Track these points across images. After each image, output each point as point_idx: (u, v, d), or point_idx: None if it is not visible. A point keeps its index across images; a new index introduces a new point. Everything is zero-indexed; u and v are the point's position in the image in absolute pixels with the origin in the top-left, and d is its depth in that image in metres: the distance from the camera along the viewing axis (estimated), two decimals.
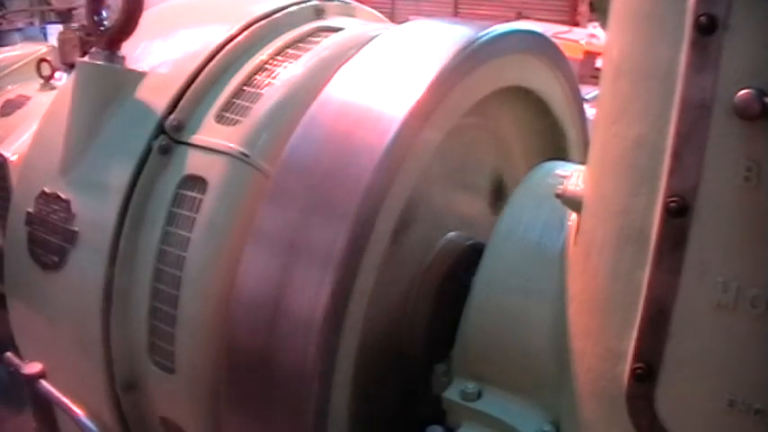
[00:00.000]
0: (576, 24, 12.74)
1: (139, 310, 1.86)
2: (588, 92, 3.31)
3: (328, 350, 1.54)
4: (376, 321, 1.73)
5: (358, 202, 1.52)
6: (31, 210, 2.08)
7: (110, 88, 2.02)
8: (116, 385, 1.93)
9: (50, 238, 2.01)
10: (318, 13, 2.20)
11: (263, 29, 2.05)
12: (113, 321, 1.89)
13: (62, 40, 4.87)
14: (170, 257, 1.81)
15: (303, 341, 1.53)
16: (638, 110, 1.25)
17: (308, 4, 2.20)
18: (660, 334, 1.23)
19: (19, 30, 11.30)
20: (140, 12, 1.97)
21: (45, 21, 12.96)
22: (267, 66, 1.97)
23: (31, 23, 12.81)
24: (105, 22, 2.03)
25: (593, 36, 8.81)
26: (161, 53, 2.08)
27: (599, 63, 7.37)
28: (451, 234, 2.03)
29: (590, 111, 2.39)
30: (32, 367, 1.95)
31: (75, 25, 5.90)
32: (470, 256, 1.88)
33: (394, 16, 13.14)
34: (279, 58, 1.99)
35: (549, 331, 1.57)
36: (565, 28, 10.42)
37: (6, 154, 2.74)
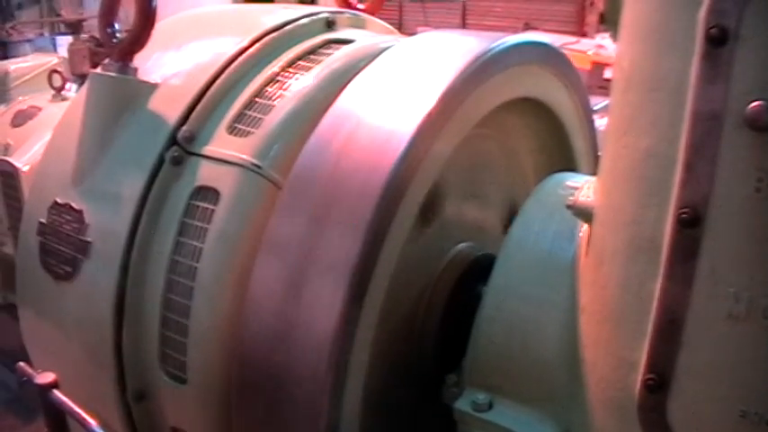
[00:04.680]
0: (584, 35, 12.73)
1: (151, 320, 1.86)
2: (596, 102, 3.32)
3: (339, 363, 1.54)
4: (387, 333, 1.74)
5: (370, 214, 1.52)
6: (43, 220, 2.09)
7: (122, 99, 2.03)
8: (128, 395, 1.94)
9: (63, 248, 2.02)
10: (329, 25, 2.21)
11: (275, 41, 2.07)
12: (125, 331, 1.90)
13: (72, 51, 4.91)
14: (182, 268, 1.82)
15: (314, 354, 1.53)
16: (649, 121, 1.26)
17: (319, 16, 2.21)
18: (672, 344, 1.23)
19: (29, 41, 11.42)
20: (153, 25, 1.98)
21: (55, 32, 13.10)
22: (279, 77, 1.99)
23: (42, 34, 12.95)
24: (118, 35, 2.05)
25: (600, 47, 8.80)
26: (173, 65, 2.10)
27: (607, 74, 7.37)
28: (462, 245, 2.04)
29: (599, 121, 2.40)
30: (45, 377, 1.96)
31: (84, 36, 5.95)
32: (481, 267, 1.88)
33: (402, 27, 13.18)
34: (290, 69, 2.00)
35: (561, 341, 1.57)
36: (573, 39, 10.41)
37: (18, 164, 2.76)
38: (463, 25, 14.18)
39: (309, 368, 1.54)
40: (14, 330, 2.87)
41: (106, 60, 2.09)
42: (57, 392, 1.93)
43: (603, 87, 6.66)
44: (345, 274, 1.51)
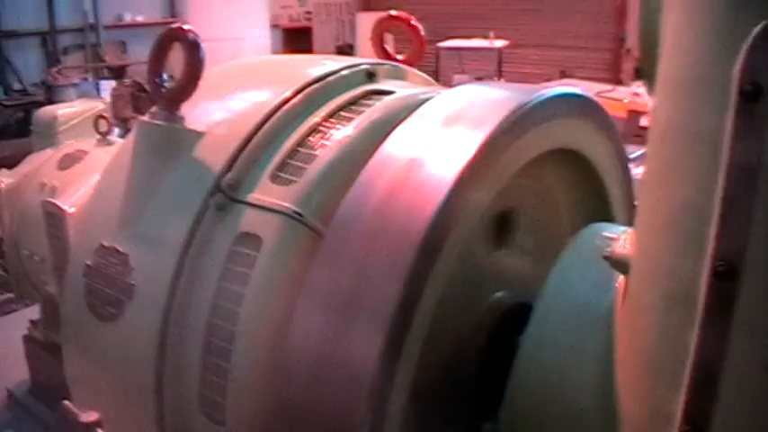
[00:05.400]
0: (620, 82, 12.72)
1: (192, 362, 1.89)
2: (633, 151, 3.33)
3: (377, 408, 1.55)
4: (424, 381, 1.75)
5: (410, 263, 1.55)
6: (89, 262, 2.14)
7: (169, 147, 2.08)
8: None
9: (108, 290, 2.07)
10: (370, 76, 2.26)
11: (317, 91, 2.11)
12: (166, 373, 1.93)
13: (115, 95, 5.02)
14: (224, 312, 1.85)
15: (353, 400, 1.55)
16: (685, 173, 1.27)
17: (360, 67, 2.26)
18: (708, 396, 1.23)
19: (74, 85, 11.68)
20: (200, 76, 2.04)
21: (99, 76, 13.40)
22: (321, 127, 2.03)
23: (85, 79, 13.24)
24: (166, 84, 2.12)
25: (636, 94, 8.78)
26: (218, 114, 2.16)
27: (643, 122, 7.34)
28: (499, 293, 2.06)
29: (635, 170, 2.42)
30: (89, 416, 2.00)
31: (127, 81, 6.09)
32: (518, 316, 1.89)
33: (439, 74, 13.26)
34: (332, 120, 2.04)
35: (597, 392, 1.57)
36: (608, 86, 10.42)
37: (64, 206, 2.83)
38: (499, 72, 14.22)
39: (348, 413, 1.56)
40: (54, 369, 2.92)
41: (154, 108, 2.15)
42: (100, 431, 1.97)
43: (639, 135, 6.64)
44: (384, 321, 1.53)
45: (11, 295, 6.01)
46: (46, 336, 3.35)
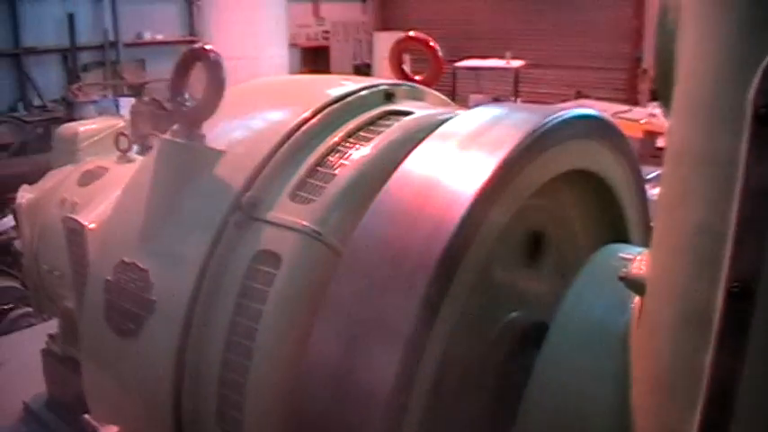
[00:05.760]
0: (636, 103, 12.73)
1: (210, 378, 1.91)
2: (649, 172, 3.33)
3: (394, 426, 1.57)
4: (440, 397, 1.76)
5: (427, 282, 1.56)
6: (109, 278, 2.16)
7: (190, 165, 2.11)
8: None
9: (127, 305, 2.09)
10: (388, 96, 2.29)
11: (336, 111, 2.14)
12: (185, 388, 1.95)
13: (134, 113, 5.08)
14: (242, 329, 1.87)
15: (370, 416, 1.56)
16: (700, 195, 1.28)
17: (379, 88, 2.29)
18: (723, 416, 1.23)
19: (94, 102, 11.80)
20: (221, 95, 2.07)
21: (118, 94, 13.54)
22: (339, 147, 2.05)
23: (105, 96, 13.38)
24: (188, 103, 2.14)
25: (653, 115, 8.79)
26: (239, 133, 2.19)
27: (659, 142, 7.34)
28: (514, 313, 2.06)
29: (651, 191, 2.42)
30: (109, 430, 2.02)
31: (146, 99, 6.16)
32: (534, 335, 1.90)
33: (456, 93, 13.31)
34: (351, 140, 2.07)
35: (612, 412, 1.57)
36: (624, 107, 10.43)
37: (85, 222, 2.85)
38: (515, 92, 14.25)
39: (364, 429, 1.57)
40: (71, 383, 2.94)
41: (175, 126, 2.18)
42: None
43: (656, 156, 6.64)
44: (401, 340, 1.55)
45: (29, 309, 6.06)
46: (64, 350, 3.37)
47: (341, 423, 1.61)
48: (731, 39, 1.22)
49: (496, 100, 12.83)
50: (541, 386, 1.71)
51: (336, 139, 2.07)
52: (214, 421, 1.92)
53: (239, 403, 1.86)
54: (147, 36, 15.99)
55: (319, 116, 2.11)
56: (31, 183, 3.65)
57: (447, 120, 1.96)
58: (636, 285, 1.54)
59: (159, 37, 16.01)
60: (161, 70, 12.98)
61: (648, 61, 14.37)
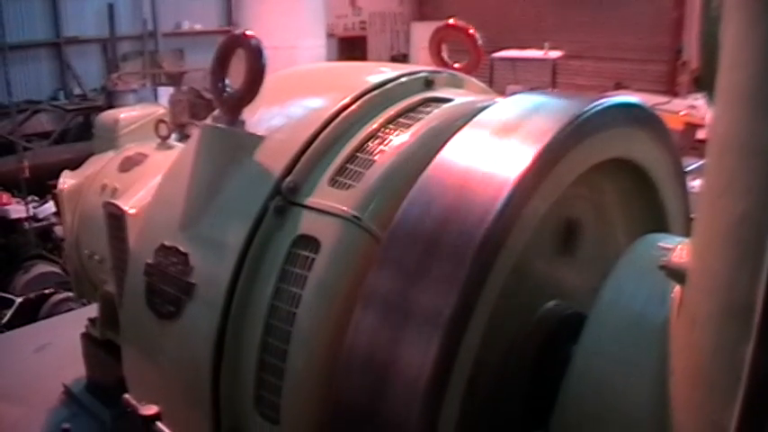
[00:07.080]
0: (676, 95, 12.58)
1: (248, 361, 1.93)
2: (689, 163, 3.29)
3: (430, 414, 1.58)
4: (477, 386, 1.76)
5: (466, 270, 1.57)
6: (150, 261, 2.20)
7: (230, 150, 2.13)
8: None
9: (168, 288, 2.12)
10: (428, 84, 2.29)
11: (376, 98, 2.15)
12: (223, 371, 1.97)
13: (173, 101, 5.15)
14: (281, 313, 1.88)
15: (407, 403, 1.57)
16: (745, 186, 1.26)
17: (418, 75, 2.29)
18: (763, 409, 1.22)
19: (133, 90, 11.96)
20: (261, 81, 2.08)
21: (156, 83, 13.68)
22: (379, 134, 2.06)
23: (144, 85, 13.53)
24: (228, 89, 2.16)
25: (692, 107, 8.69)
26: (279, 119, 2.20)
27: (699, 134, 7.25)
28: (552, 302, 2.06)
29: (691, 183, 2.40)
30: (149, 409, 2.05)
31: (184, 88, 6.23)
32: (571, 326, 1.89)
33: (493, 84, 13.26)
34: (390, 126, 2.08)
35: (650, 403, 1.57)
36: (664, 99, 10.32)
37: (125, 207, 2.89)
38: (553, 83, 14.15)
39: (402, 416, 1.58)
40: (110, 367, 2.98)
41: (216, 112, 2.21)
42: (159, 424, 2.01)
43: (696, 148, 6.57)
44: (440, 328, 1.56)
45: (70, 294, 6.16)
46: (103, 334, 3.42)
47: (380, 408, 1.62)
48: None
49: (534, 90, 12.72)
50: (579, 377, 1.70)
51: (376, 125, 2.08)
52: (252, 404, 1.94)
53: (277, 387, 1.88)
54: (186, 26, 16.12)
55: (359, 102, 2.12)
56: (71, 170, 3.70)
57: (486, 107, 1.95)
58: (677, 274, 1.52)
59: (198, 27, 16.13)
60: (199, 60, 13.09)
61: (689, 53, 14.21)
